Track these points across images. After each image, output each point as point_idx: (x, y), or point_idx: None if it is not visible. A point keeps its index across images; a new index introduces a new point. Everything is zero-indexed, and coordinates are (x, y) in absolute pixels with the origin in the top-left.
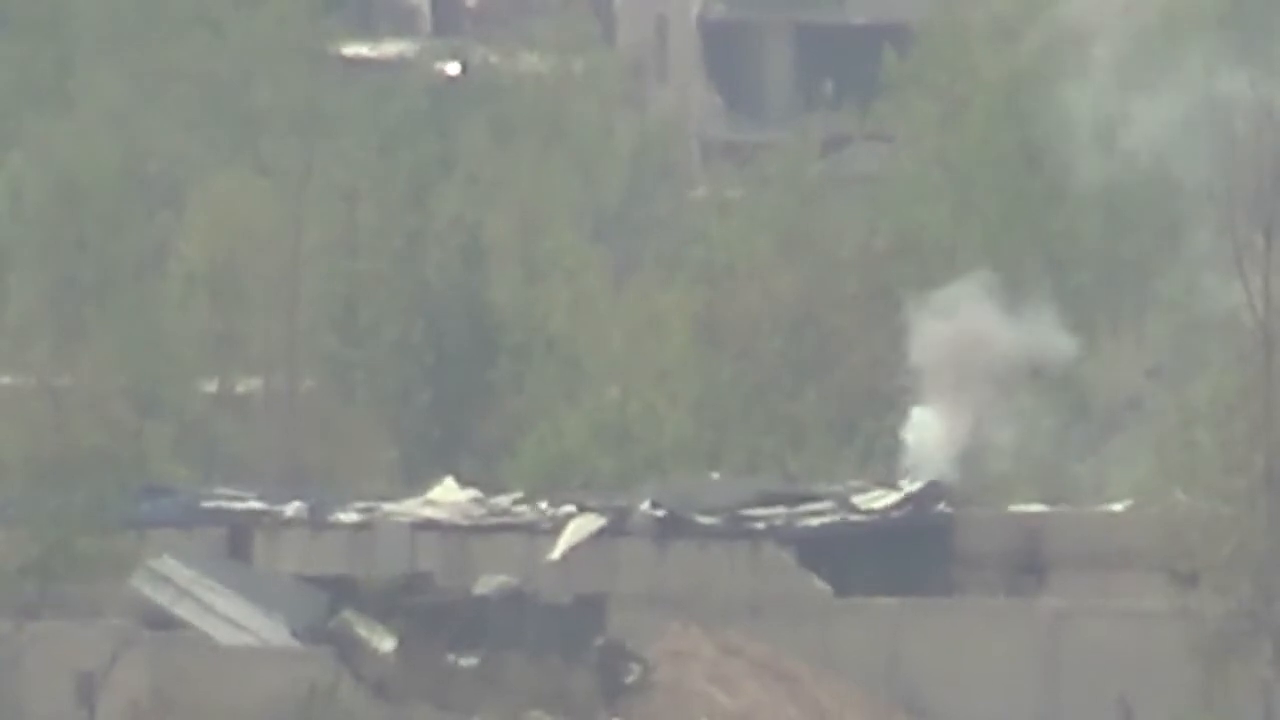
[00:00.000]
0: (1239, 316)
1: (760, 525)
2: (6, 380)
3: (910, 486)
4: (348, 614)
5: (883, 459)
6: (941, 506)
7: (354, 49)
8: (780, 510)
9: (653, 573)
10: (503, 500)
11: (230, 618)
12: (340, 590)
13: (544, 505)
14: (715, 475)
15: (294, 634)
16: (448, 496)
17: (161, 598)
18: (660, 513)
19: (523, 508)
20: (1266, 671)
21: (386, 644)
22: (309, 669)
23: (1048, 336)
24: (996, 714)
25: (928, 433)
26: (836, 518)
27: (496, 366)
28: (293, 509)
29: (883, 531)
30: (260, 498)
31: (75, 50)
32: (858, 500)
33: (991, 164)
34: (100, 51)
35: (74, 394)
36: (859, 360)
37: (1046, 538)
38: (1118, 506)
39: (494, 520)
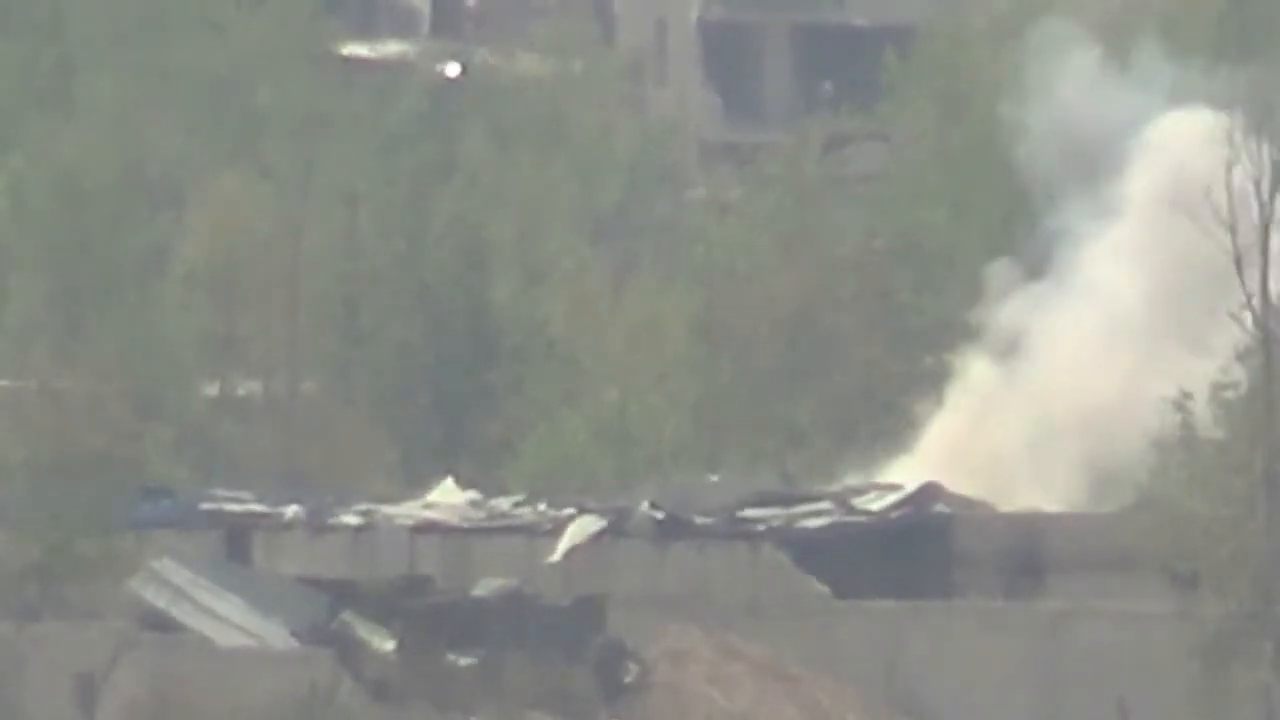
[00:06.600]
0: (1239, 316)
1: (759, 526)
2: (7, 382)
3: (908, 487)
4: (348, 616)
5: (882, 460)
6: (940, 507)
7: (354, 50)
8: (779, 511)
9: (652, 574)
10: (502, 502)
11: (230, 620)
12: (340, 592)
13: (544, 507)
14: (714, 477)
15: (294, 636)
16: (447, 498)
17: (161, 600)
18: (659, 514)
19: (523, 509)
20: (1267, 673)
21: (386, 645)
22: (309, 671)
23: None
24: (995, 716)
25: None
26: (835, 519)
27: (496, 368)
28: (292, 511)
29: (881, 533)
30: (260, 500)
31: (76, 51)
32: (856, 501)
33: (991, 164)
34: (101, 53)
35: (74, 396)
36: (858, 361)
37: (1045, 539)
38: (1116, 508)
39: (494, 522)
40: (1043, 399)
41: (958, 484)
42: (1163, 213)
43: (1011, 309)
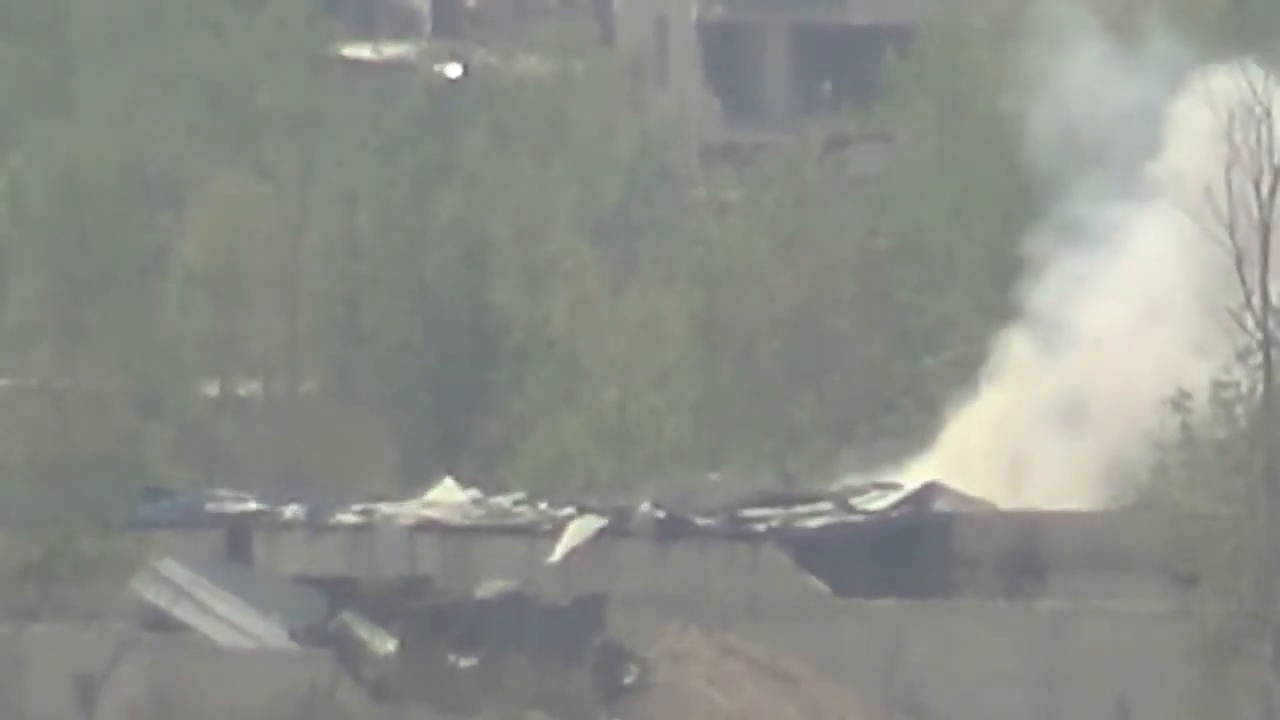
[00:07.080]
0: (1239, 316)
1: (759, 526)
2: (7, 382)
3: (908, 486)
4: (347, 615)
5: (882, 460)
6: (940, 507)
7: (354, 51)
8: (779, 511)
9: (652, 574)
10: (503, 501)
11: (230, 619)
12: (340, 592)
13: (544, 507)
14: (714, 476)
15: (293, 635)
16: (448, 498)
17: (161, 599)
18: (660, 514)
19: (523, 509)
20: (1267, 673)
21: (386, 646)
22: (308, 671)
23: None
24: (995, 715)
25: None
26: (835, 519)
27: (497, 368)
28: (292, 510)
29: (881, 532)
30: (260, 499)
31: (76, 51)
32: (856, 501)
33: (991, 164)
34: (101, 53)
35: (74, 395)
36: (858, 361)
37: (1045, 539)
38: (1117, 507)
39: (494, 522)
40: (1071, 388)
41: (979, 478)
42: (1176, 201)
43: (1036, 299)
